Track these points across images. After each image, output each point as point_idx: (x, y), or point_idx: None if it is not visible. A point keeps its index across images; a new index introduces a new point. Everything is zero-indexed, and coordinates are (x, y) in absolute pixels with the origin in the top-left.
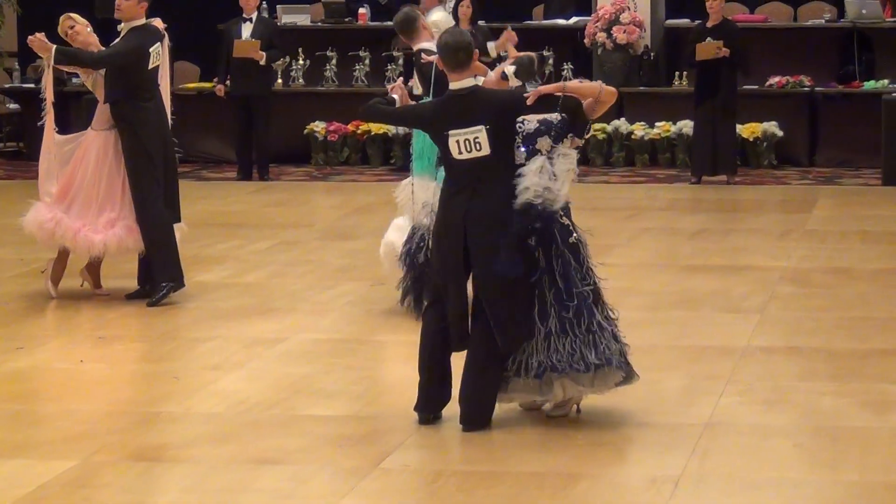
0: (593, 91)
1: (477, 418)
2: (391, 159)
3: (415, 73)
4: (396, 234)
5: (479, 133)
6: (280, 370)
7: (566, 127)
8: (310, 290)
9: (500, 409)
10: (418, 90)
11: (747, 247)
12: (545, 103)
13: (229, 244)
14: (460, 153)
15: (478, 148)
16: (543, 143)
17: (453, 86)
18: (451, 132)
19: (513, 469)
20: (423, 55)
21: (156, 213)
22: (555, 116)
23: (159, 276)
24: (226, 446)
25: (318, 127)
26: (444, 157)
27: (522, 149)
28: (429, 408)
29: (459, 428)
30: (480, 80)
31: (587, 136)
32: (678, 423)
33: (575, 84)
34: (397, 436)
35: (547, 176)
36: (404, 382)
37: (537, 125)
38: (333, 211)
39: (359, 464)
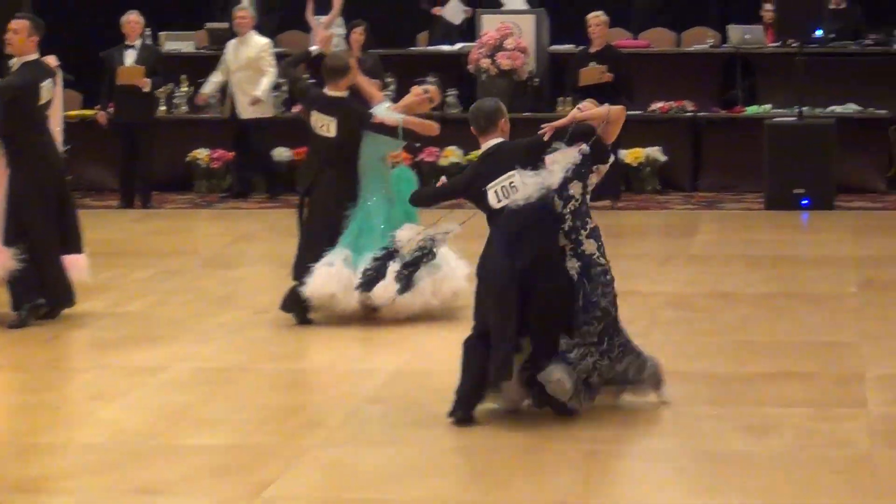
0: (602, 116)
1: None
2: None
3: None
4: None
5: (513, 177)
6: (162, 399)
7: (589, 162)
8: (192, 318)
9: (383, 434)
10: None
11: (631, 272)
12: (559, 135)
13: (111, 273)
14: (499, 201)
15: (515, 191)
16: (575, 187)
17: (483, 147)
18: (488, 186)
19: (395, 497)
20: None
21: (41, 236)
22: (576, 157)
23: (49, 293)
24: (106, 476)
25: (202, 154)
26: (486, 212)
27: (557, 199)
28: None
29: (346, 453)
30: (385, 105)
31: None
32: (560, 449)
33: (584, 114)
34: (279, 465)
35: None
36: (286, 411)
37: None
38: (216, 239)
39: (240, 493)
